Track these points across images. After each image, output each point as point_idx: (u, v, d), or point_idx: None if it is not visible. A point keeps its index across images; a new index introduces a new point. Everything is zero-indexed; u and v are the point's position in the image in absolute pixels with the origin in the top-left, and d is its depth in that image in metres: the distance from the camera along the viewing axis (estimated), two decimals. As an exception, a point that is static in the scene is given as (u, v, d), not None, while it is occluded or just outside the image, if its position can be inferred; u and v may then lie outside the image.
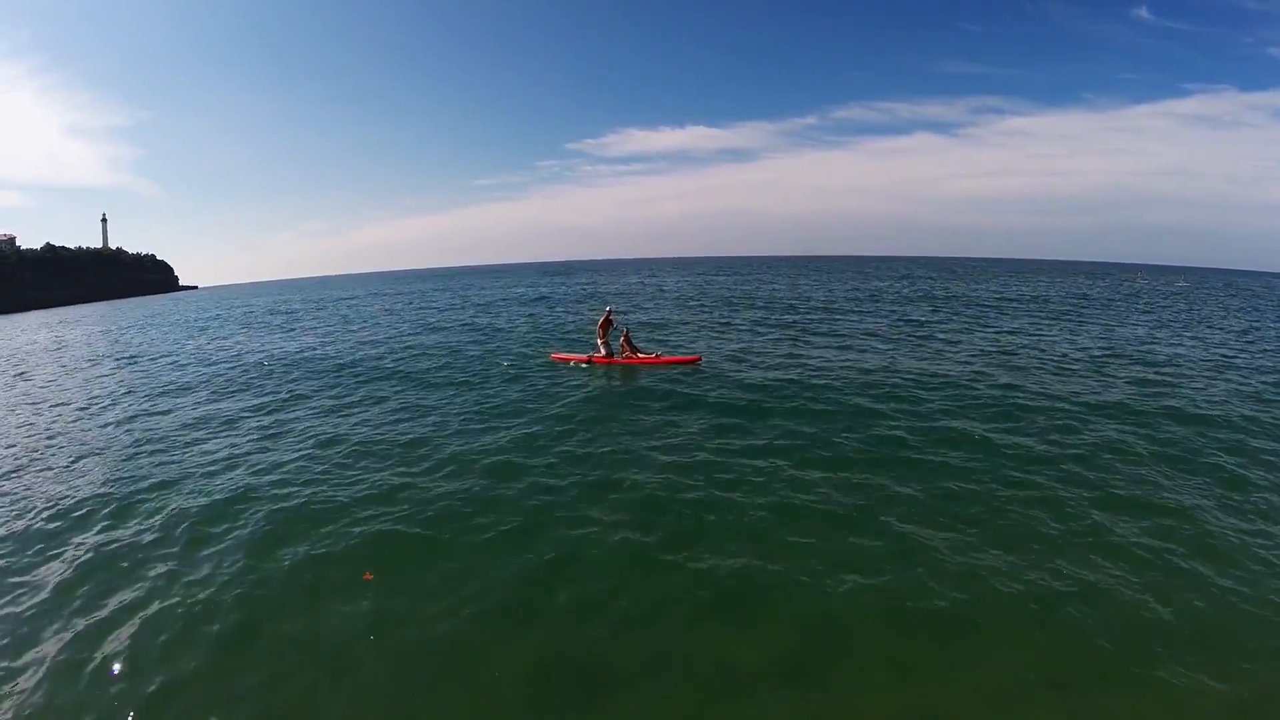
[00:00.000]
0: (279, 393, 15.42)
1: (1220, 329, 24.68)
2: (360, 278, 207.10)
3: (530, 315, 31.20)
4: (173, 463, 10.53)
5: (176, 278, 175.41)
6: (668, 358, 16.53)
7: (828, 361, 16.45)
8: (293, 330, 31.19)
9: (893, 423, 10.89)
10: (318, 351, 21.89)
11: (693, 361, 16.30)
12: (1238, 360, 17.24)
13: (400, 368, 17.78)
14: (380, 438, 11.08)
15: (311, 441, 11.13)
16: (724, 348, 18.81)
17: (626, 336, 16.76)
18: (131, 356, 24.66)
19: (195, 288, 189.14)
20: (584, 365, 16.67)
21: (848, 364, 15.94)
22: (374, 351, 21.07)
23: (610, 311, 17.10)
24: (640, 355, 16.56)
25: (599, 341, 16.87)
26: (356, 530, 7.54)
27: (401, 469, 9.48)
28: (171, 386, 17.35)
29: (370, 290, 74.56)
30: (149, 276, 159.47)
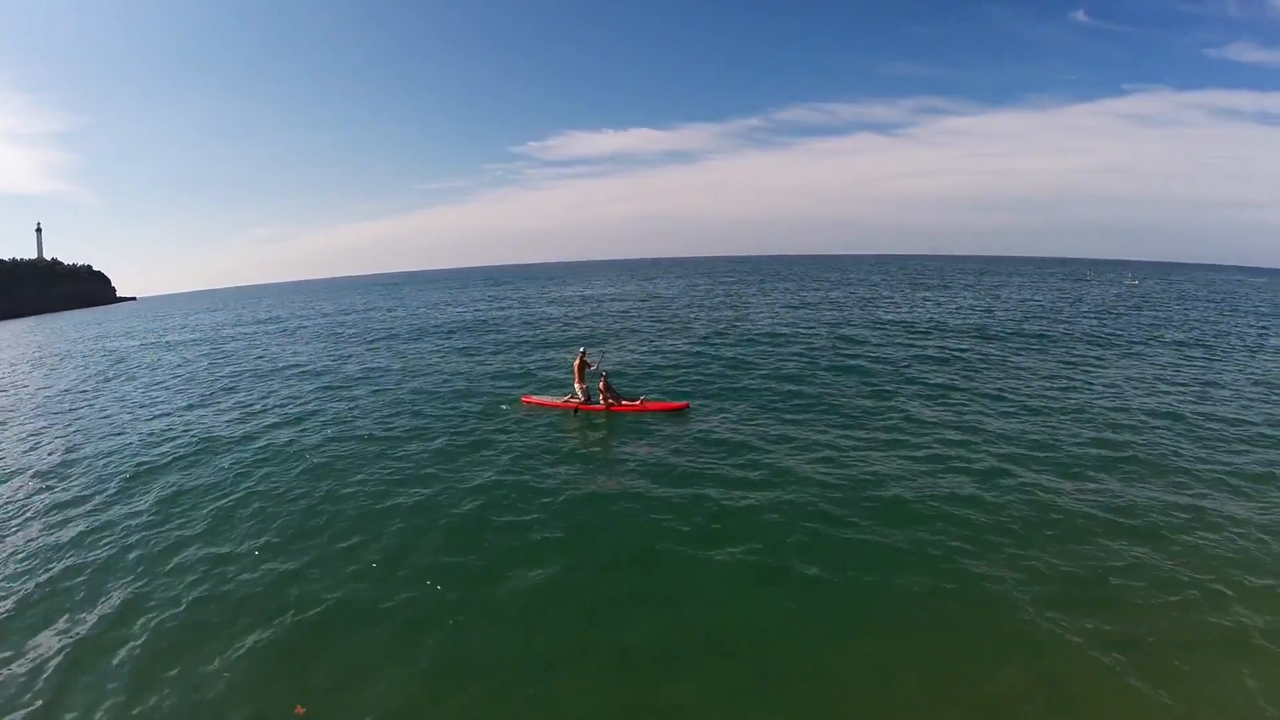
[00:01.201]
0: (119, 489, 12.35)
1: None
2: (305, 286, 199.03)
3: (471, 351, 26.35)
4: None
5: (114, 289, 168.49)
6: (653, 404, 15.19)
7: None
8: (188, 372, 26.26)
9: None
10: (196, 425, 16.75)
11: (680, 409, 14.86)
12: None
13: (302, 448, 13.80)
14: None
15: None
16: (703, 390, 17.74)
17: (606, 381, 15.24)
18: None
19: (134, 299, 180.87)
20: (575, 413, 15.49)
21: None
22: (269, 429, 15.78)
23: (584, 353, 15.63)
24: (624, 403, 15.04)
25: (576, 387, 15.41)
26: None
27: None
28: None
29: (306, 304, 68.21)
30: (86, 288, 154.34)
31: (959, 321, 30.41)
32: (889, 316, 32.68)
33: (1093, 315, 33.10)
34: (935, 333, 26.84)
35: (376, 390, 19.07)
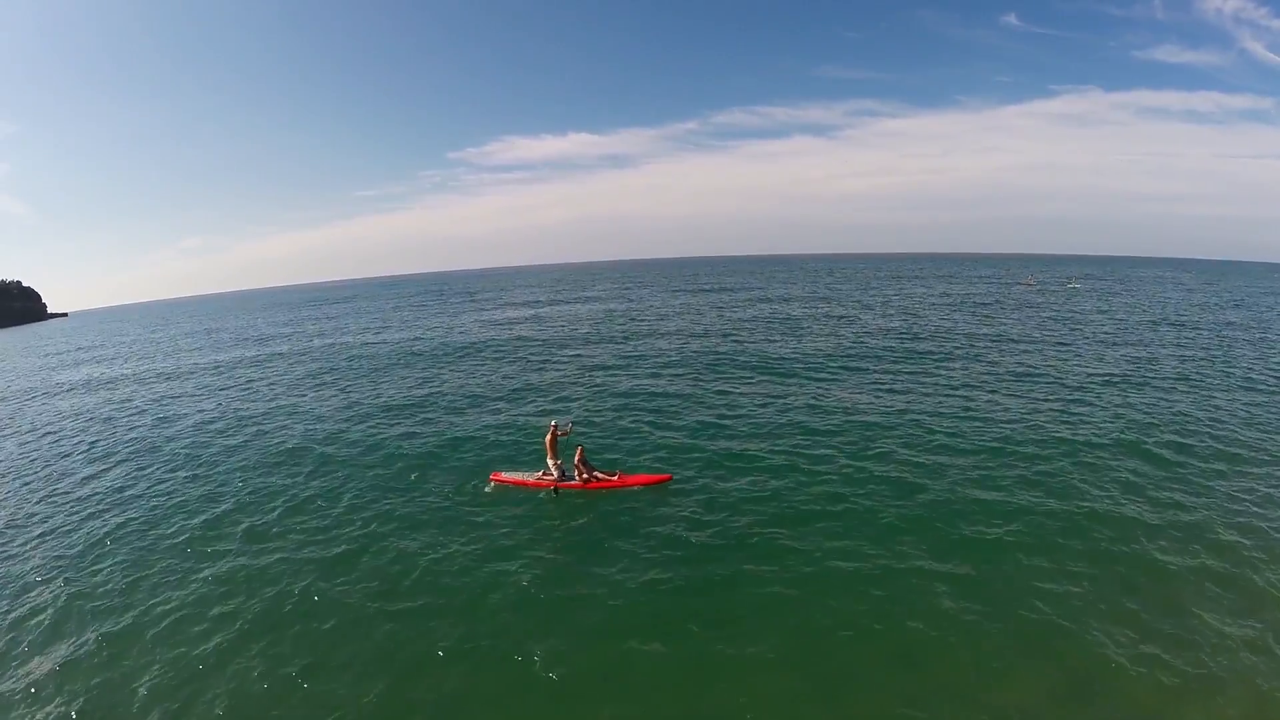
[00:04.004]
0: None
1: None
2: (234, 299, 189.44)
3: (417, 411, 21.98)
4: None
5: (44, 305, 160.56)
6: (633, 478, 14.18)
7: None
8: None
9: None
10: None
11: (663, 481, 13.96)
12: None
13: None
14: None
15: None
16: (690, 456, 16.40)
17: (581, 455, 14.23)
18: None
19: (65, 315, 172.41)
20: (548, 494, 14.43)
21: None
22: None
23: (555, 426, 14.50)
24: (600, 477, 14.10)
25: (550, 462, 14.30)
26: None
27: None
28: None
29: (223, 333, 60.77)
30: (15, 305, 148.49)
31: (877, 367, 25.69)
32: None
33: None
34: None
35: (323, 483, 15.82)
